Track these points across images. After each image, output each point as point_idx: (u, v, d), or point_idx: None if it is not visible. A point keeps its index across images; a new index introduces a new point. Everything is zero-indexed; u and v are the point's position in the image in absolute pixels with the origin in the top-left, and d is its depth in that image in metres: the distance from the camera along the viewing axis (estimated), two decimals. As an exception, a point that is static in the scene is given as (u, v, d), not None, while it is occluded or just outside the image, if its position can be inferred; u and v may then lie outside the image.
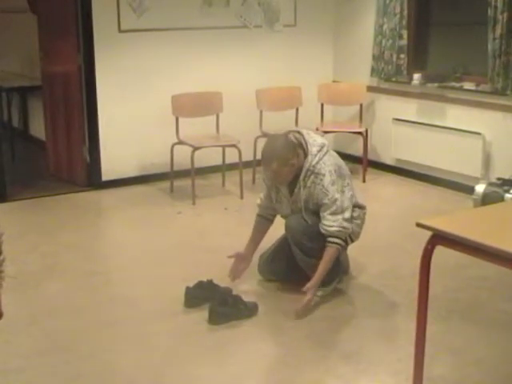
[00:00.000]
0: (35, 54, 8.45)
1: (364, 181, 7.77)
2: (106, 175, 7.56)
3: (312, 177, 4.58)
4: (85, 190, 7.52)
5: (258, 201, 5.04)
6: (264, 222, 5.04)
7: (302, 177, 4.60)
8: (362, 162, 7.89)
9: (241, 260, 4.95)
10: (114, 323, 4.44)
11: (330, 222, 4.57)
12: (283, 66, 8.36)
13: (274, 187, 4.81)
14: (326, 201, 4.56)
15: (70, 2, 7.34)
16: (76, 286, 5.04)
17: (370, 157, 8.13)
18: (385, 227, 6.34)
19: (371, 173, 7.99)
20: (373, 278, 5.18)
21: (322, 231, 4.59)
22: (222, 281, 4.77)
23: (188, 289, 4.67)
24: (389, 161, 8.20)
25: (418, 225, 3.04)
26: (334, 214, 4.57)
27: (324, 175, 4.56)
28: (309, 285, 4.53)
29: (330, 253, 4.61)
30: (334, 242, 4.60)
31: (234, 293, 4.61)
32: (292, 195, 4.70)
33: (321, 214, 4.61)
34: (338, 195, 4.56)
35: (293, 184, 4.67)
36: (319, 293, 4.69)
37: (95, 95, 7.37)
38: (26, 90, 9.61)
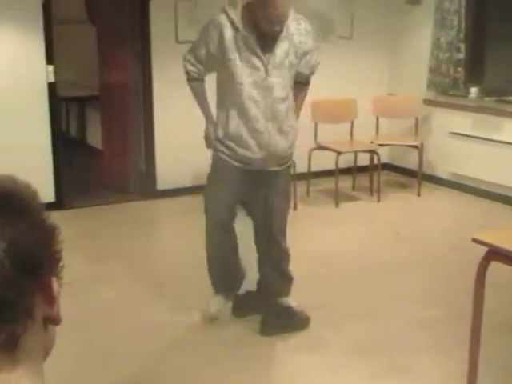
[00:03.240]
0: (93, 64, 8.57)
1: (419, 194, 7.72)
2: (161, 184, 7.62)
3: (294, 23, 4.37)
4: (140, 199, 7.59)
5: (191, 66, 4.43)
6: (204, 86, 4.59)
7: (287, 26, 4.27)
8: (417, 176, 7.83)
9: None
10: (162, 329, 4.48)
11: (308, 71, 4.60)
12: (338, 78, 8.34)
13: (239, 48, 4.24)
14: (311, 47, 4.48)
15: (129, 14, 7.46)
16: (127, 293, 5.10)
17: (426, 170, 8.06)
18: (439, 241, 6.28)
19: (426, 186, 7.92)
20: (424, 291, 5.14)
21: (303, 80, 4.62)
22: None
23: (237, 298, 4.69)
24: (444, 175, 8.12)
25: (474, 240, 3.02)
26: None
27: (302, 19, 4.50)
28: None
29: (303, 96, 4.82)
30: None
31: (285, 304, 4.62)
32: (267, 54, 4.25)
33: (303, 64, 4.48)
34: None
35: (265, 41, 4.24)
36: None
37: (152, 105, 7.45)
38: (84, 99, 9.77)
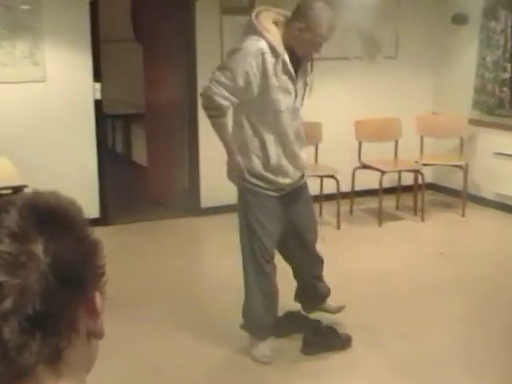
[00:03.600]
0: (139, 81, 8.67)
1: (463, 215, 7.65)
2: (205, 202, 7.66)
3: None
4: (183, 216, 7.64)
5: (223, 100, 4.11)
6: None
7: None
8: (462, 196, 7.77)
9: None
10: (206, 348, 4.49)
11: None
12: (383, 97, 8.33)
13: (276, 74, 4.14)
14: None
15: (175, 33, 7.54)
16: (170, 310, 5.12)
17: (470, 190, 7.99)
18: (483, 261, 6.21)
19: (471, 207, 7.84)
20: (468, 311, 5.09)
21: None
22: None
23: (278, 318, 4.67)
24: (489, 195, 8.04)
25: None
26: None
27: None
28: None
29: None
30: None
31: (326, 323, 4.61)
32: (296, 78, 4.24)
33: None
34: None
35: (295, 63, 4.22)
36: None
37: (197, 122, 7.50)
38: (130, 116, 9.88)
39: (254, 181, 4.28)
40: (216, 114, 4.13)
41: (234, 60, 4.07)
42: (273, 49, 4.07)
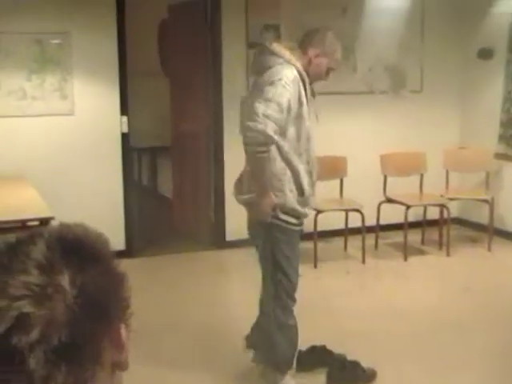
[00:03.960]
0: (166, 114, 8.75)
1: (489, 250, 7.59)
2: (230, 235, 7.67)
3: None
4: (209, 249, 7.65)
5: (274, 133, 4.00)
6: None
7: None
8: (488, 231, 7.72)
9: None
10: (231, 382, 4.48)
11: None
12: (408, 131, 8.33)
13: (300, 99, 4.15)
14: None
15: (201, 67, 7.63)
16: (197, 343, 5.11)
17: (496, 225, 7.93)
18: (509, 297, 6.16)
19: (497, 242, 7.78)
20: (494, 347, 5.04)
21: None
22: (337, 346, 4.73)
23: (300, 353, 4.64)
24: (516, 230, 8.00)
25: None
26: None
27: None
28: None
29: None
30: None
31: (350, 358, 4.58)
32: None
33: None
34: None
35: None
36: None
37: (222, 156, 7.54)
38: (156, 149, 9.96)
39: (284, 217, 4.20)
40: (264, 149, 4.00)
41: (277, 92, 4.01)
42: (301, 75, 4.14)
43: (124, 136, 7.22)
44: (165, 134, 9.03)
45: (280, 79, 4.05)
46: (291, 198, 4.17)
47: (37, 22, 6.81)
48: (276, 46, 4.23)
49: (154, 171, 10.43)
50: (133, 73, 7.67)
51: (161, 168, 10.15)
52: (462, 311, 5.81)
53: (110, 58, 7.06)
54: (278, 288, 4.32)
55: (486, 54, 8.25)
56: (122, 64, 7.12)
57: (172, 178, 8.62)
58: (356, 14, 7.86)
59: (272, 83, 4.05)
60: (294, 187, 4.17)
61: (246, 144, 4.03)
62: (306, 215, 4.33)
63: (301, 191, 4.19)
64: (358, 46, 7.84)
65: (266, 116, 3.94)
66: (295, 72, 4.12)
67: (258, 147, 3.99)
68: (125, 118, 7.17)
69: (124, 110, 7.18)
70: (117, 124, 7.16)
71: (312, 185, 4.28)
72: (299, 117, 4.11)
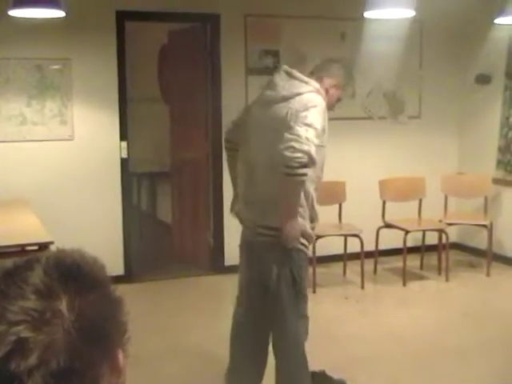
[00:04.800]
0: (165, 140, 8.78)
1: (488, 275, 7.59)
2: (230, 260, 7.66)
3: None
4: (208, 274, 7.65)
5: (314, 152, 3.95)
6: None
7: None
8: (487, 256, 7.71)
9: None
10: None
11: None
12: (407, 157, 8.36)
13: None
14: None
15: (201, 93, 7.66)
16: (195, 368, 5.10)
17: (495, 250, 7.93)
18: (508, 322, 6.15)
19: (496, 267, 7.78)
20: (493, 373, 5.03)
21: None
22: (337, 371, 4.72)
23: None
24: (515, 255, 8.00)
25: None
26: None
27: None
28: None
29: None
30: None
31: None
32: None
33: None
34: None
35: None
36: None
37: (221, 181, 7.55)
38: (155, 175, 9.97)
39: (303, 241, 4.20)
40: (306, 172, 3.91)
41: (315, 117, 4.00)
42: (324, 103, 4.18)
43: (123, 161, 7.25)
44: (164, 160, 9.06)
45: (315, 106, 4.05)
46: (308, 223, 4.19)
47: (37, 48, 6.85)
48: (302, 75, 4.23)
49: (153, 196, 10.44)
50: (132, 99, 7.71)
51: (160, 193, 10.16)
52: (461, 336, 5.80)
53: (110, 84, 7.10)
54: (299, 308, 4.35)
55: (483, 79, 8.30)
56: (122, 90, 7.16)
57: (171, 203, 8.64)
58: (354, 40, 7.91)
59: (308, 109, 4.02)
60: (308, 213, 4.16)
61: (287, 166, 3.88)
62: (313, 239, 4.39)
63: (315, 217, 4.22)
64: (356, 71, 7.87)
65: (310, 140, 3.90)
66: (323, 101, 4.17)
67: (300, 169, 3.88)
68: (124, 144, 7.19)
69: (123, 135, 7.21)
70: (116, 149, 7.18)
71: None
72: (321, 145, 4.10)
